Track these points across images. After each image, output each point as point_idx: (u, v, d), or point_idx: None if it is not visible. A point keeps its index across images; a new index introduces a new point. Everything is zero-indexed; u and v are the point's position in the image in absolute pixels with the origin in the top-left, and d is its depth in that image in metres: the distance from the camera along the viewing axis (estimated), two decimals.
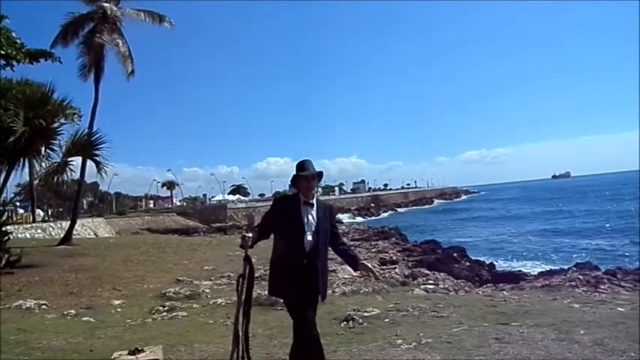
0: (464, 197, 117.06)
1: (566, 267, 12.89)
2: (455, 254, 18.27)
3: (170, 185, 76.27)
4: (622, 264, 15.41)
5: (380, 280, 9.56)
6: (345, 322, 6.16)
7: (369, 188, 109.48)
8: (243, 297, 3.37)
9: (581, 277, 9.20)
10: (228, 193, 77.62)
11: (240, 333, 3.33)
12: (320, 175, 3.65)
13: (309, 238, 3.44)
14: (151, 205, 73.68)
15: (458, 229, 41.85)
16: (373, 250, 19.23)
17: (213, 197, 72.80)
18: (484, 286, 11.15)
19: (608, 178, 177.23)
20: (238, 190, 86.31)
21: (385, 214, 71.82)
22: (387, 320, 6.25)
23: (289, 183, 4.16)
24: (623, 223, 35.07)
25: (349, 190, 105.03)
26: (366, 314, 6.47)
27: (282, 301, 7.46)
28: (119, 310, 8.20)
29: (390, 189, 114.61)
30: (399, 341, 5.12)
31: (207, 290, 9.38)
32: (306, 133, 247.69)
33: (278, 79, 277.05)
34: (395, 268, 13.46)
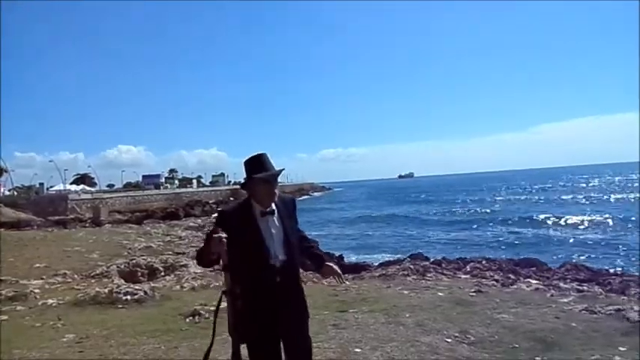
0: (319, 193, 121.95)
1: (402, 257, 14.29)
2: None
3: None
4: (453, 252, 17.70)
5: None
6: (190, 318, 6.09)
7: (229, 182, 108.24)
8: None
9: (412, 266, 10.31)
10: (71, 183, 69.81)
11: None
12: (279, 173, 2.66)
13: (279, 256, 2.58)
14: None
15: (314, 223, 43.64)
16: None
17: (52, 187, 64.78)
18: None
19: (450, 180, 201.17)
20: (83, 179, 78.15)
21: None
22: None
23: (239, 187, 2.96)
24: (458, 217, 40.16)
25: (208, 183, 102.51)
26: (213, 308, 6.44)
27: (124, 299, 7.06)
28: None
29: None
30: None
31: (36, 290, 8.42)
32: (164, 122, 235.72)
33: (134, 61, 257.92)
34: None
